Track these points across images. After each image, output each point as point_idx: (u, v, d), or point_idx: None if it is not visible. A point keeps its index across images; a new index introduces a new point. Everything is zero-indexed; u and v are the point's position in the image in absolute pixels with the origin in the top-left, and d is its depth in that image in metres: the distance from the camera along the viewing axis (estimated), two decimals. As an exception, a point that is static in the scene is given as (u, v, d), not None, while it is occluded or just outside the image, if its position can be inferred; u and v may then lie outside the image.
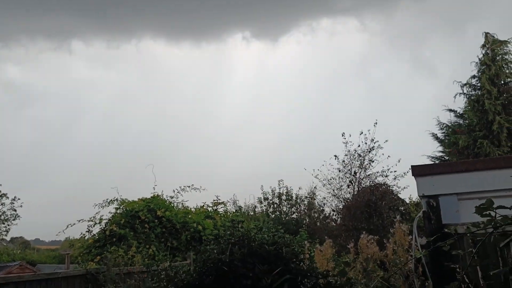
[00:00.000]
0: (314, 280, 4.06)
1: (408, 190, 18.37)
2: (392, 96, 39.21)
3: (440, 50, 39.98)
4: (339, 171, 17.78)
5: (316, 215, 23.36)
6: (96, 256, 10.84)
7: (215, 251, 4.47)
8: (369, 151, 17.74)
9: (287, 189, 23.83)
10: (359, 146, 17.62)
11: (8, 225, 26.47)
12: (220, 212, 13.12)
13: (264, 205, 23.59)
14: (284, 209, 23.70)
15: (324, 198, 21.12)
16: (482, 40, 18.21)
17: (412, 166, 5.73)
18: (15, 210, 26.64)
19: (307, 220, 23.54)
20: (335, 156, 17.72)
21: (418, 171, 5.56)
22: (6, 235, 27.71)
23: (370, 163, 17.76)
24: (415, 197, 20.39)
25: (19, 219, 26.81)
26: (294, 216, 23.65)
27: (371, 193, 16.98)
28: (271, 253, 4.25)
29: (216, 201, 13.17)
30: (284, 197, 23.72)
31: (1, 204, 26.37)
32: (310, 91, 43.86)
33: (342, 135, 17.66)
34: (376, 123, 17.46)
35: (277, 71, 49.72)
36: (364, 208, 16.75)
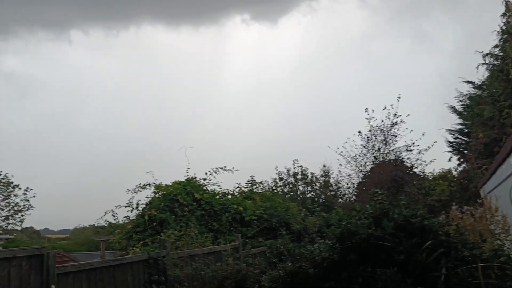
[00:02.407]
0: (467, 252, 3.76)
1: (432, 164, 18.28)
2: (395, 71, 38.95)
3: (441, 23, 39.59)
4: (364, 147, 17.53)
5: (333, 193, 23.24)
6: (139, 242, 10.50)
7: (351, 226, 4.13)
8: (392, 126, 17.51)
9: (301, 168, 23.64)
10: (382, 121, 17.38)
11: (22, 215, 26.03)
12: (259, 192, 12.83)
13: (280, 185, 23.38)
14: (300, 188, 23.53)
15: (340, 173, 20.89)
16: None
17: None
18: (28, 201, 26.21)
19: (323, 198, 23.40)
20: (359, 132, 17.48)
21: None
22: (20, 226, 27.28)
23: (393, 138, 17.54)
24: (438, 170, 20.31)
25: (32, 209, 26.39)
26: (310, 195, 23.50)
27: (397, 169, 16.77)
28: (416, 226, 3.93)
29: (252, 181, 12.89)
30: (299, 177, 23.53)
31: (14, 195, 25.89)
32: (312, 70, 43.49)
33: (365, 111, 17.39)
34: (400, 97, 17.19)
35: (278, 52, 49.19)
36: (390, 184, 16.56)
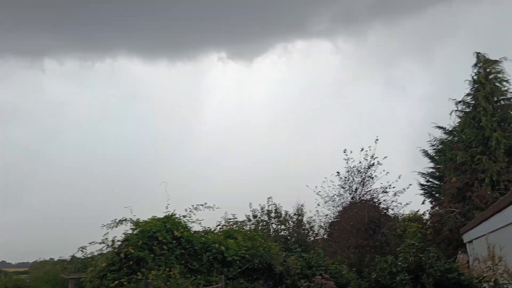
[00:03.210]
0: None
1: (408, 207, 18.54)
2: (369, 114, 39.91)
3: (410, 70, 41.13)
4: (342, 187, 17.62)
5: (305, 232, 23.05)
6: (113, 281, 9.96)
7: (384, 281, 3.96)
8: (369, 167, 17.72)
9: (275, 206, 23.41)
10: (360, 162, 17.59)
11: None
12: (241, 231, 12.53)
13: (253, 223, 23.03)
14: (274, 226, 23.24)
15: (315, 215, 20.89)
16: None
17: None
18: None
19: (296, 236, 23.17)
20: (337, 172, 17.58)
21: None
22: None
23: (370, 179, 17.72)
24: (408, 211, 20.54)
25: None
26: (283, 233, 23.22)
27: (374, 210, 16.88)
28: (453, 281, 3.80)
29: (233, 219, 12.60)
30: (273, 214, 23.28)
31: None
32: (287, 111, 44.01)
33: (344, 152, 17.57)
34: (377, 139, 17.49)
35: (254, 92, 49.70)
36: (367, 225, 16.60)
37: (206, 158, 41.78)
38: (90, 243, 10.90)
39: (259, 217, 23.17)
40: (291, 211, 23.38)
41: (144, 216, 11.74)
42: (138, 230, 11.15)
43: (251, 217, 23.07)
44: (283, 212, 23.34)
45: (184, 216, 12.24)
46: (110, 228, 11.58)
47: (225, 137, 44.59)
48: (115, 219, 11.75)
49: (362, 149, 17.46)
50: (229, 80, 52.54)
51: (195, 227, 12.17)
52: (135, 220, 11.43)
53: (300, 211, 23.49)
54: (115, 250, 10.86)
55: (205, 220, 12.20)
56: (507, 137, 16.87)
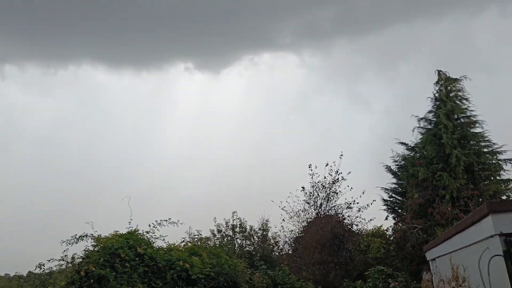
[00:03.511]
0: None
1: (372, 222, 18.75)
2: (334, 128, 40.42)
3: (373, 86, 42.05)
4: (307, 203, 17.66)
5: (271, 247, 22.97)
6: (72, 302, 9.57)
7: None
8: (334, 183, 17.84)
9: (240, 220, 23.29)
10: (325, 178, 17.69)
11: None
12: (207, 248, 12.30)
13: (218, 238, 22.81)
14: (238, 241, 23.07)
15: (280, 230, 20.88)
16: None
17: (487, 202, 5.54)
18: None
19: (261, 252, 23.06)
20: (303, 187, 17.62)
21: (493, 207, 5.37)
22: None
23: (335, 195, 17.84)
24: (372, 226, 20.77)
25: None
26: (248, 249, 23.07)
27: (339, 225, 16.96)
28: None
29: (197, 235, 12.37)
30: (237, 229, 23.13)
31: None
32: (253, 123, 43.97)
33: (309, 167, 17.64)
34: (342, 155, 17.66)
35: (221, 103, 49.45)
36: (332, 241, 16.66)
37: (170, 171, 41.20)
38: (49, 260, 10.48)
39: (224, 232, 22.99)
40: (256, 226, 23.31)
41: (106, 232, 11.41)
42: (99, 246, 10.80)
43: (215, 232, 22.88)
44: (248, 227, 23.24)
45: (147, 232, 11.95)
46: (70, 244, 11.20)
47: (190, 149, 44.12)
48: (75, 234, 11.38)
49: (327, 164, 17.61)
50: (196, 91, 52.25)
51: (159, 244, 11.93)
52: (97, 236, 11.08)
53: (265, 226, 23.44)
54: (75, 268, 10.47)
55: (169, 236, 11.95)
56: (466, 155, 17.30)
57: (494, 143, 18.15)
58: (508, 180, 18.04)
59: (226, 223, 22.90)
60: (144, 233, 11.83)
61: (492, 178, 18.03)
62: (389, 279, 13.78)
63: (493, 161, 17.95)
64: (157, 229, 12.02)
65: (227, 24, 39.50)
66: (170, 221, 12.09)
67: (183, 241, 12.54)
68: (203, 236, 13.08)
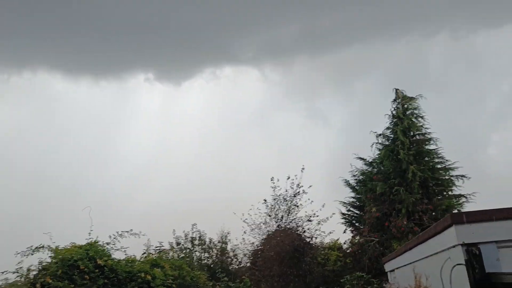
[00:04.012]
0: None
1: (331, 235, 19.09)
2: (291, 143, 40.87)
3: (330, 102, 42.94)
4: (268, 215, 17.75)
5: (229, 260, 22.85)
6: (27, 316, 9.19)
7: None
8: (295, 196, 18.06)
9: (200, 233, 23.07)
10: (286, 191, 17.87)
11: None
12: (169, 259, 12.11)
13: (176, 250, 22.46)
14: (197, 254, 22.82)
15: (241, 243, 20.85)
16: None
17: (450, 214, 5.81)
18: None
19: (219, 264, 22.91)
20: (265, 200, 17.71)
21: (456, 219, 5.65)
22: None
23: (296, 208, 18.03)
24: (330, 239, 21.09)
25: None
26: (206, 261, 22.86)
27: (299, 238, 17.14)
28: None
29: (159, 247, 12.17)
30: (196, 242, 22.90)
31: None
32: (214, 135, 43.73)
33: (271, 180, 17.79)
34: (303, 168, 17.91)
35: (181, 114, 48.86)
36: (292, 253, 16.79)
37: (129, 181, 40.30)
38: (2, 272, 10.03)
39: (182, 245, 22.69)
40: (216, 238, 23.16)
41: (64, 242, 11.09)
42: (57, 258, 10.46)
43: (174, 245, 22.53)
44: (207, 240, 23.05)
45: (108, 243, 11.70)
46: (25, 255, 10.79)
47: (150, 160, 43.32)
48: (31, 246, 10.98)
49: (289, 177, 17.82)
50: (156, 102, 51.46)
51: (120, 255, 11.69)
52: (54, 247, 10.73)
53: (224, 239, 23.32)
54: (31, 281, 10.08)
55: (130, 248, 11.74)
56: (422, 170, 17.96)
57: (447, 160, 18.96)
58: (460, 195, 18.81)
59: (186, 235, 22.63)
60: (105, 244, 11.57)
61: (444, 193, 18.80)
62: (368, 286, 14.09)
63: (446, 177, 18.72)
64: (118, 241, 11.80)
65: (190, 36, 39.35)
66: (132, 232, 11.89)
67: (145, 252, 12.33)
68: (164, 248, 12.87)
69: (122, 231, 11.81)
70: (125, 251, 11.62)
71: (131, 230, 11.84)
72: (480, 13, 36.84)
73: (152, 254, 12.29)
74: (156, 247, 12.55)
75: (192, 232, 22.85)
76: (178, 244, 22.52)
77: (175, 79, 49.86)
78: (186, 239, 22.70)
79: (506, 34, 39.95)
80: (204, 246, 22.88)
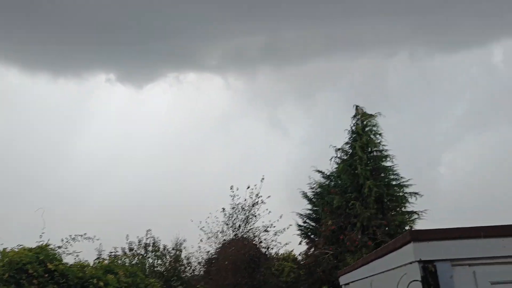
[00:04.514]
0: None
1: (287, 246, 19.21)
2: (252, 152, 41.01)
3: (292, 113, 43.47)
4: (226, 224, 17.68)
5: (183, 268, 22.58)
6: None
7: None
8: (253, 205, 18.09)
9: (154, 239, 22.70)
10: (245, 200, 17.88)
11: None
12: (124, 265, 11.80)
13: (129, 256, 21.98)
14: (150, 261, 22.42)
15: (197, 251, 20.67)
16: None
17: (410, 230, 5.97)
18: None
19: (172, 272, 22.59)
20: (223, 208, 17.64)
21: (415, 236, 5.81)
22: None
23: (253, 217, 18.06)
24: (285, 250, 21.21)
25: None
26: (159, 269, 22.49)
27: (255, 248, 17.15)
28: None
29: (113, 252, 11.84)
30: (150, 248, 22.51)
31: None
32: (175, 141, 43.23)
33: (230, 188, 17.76)
34: (263, 178, 17.99)
35: (142, 118, 47.99)
36: (247, 264, 16.77)
37: (85, 183, 39.10)
38: None
39: (136, 250, 22.25)
40: (170, 245, 22.86)
41: (13, 245, 10.61)
42: (4, 260, 9.99)
43: (126, 250, 22.05)
44: (161, 246, 22.71)
45: (59, 247, 11.30)
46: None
47: (107, 163, 42.28)
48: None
49: (248, 187, 17.85)
50: (117, 104, 50.32)
51: (72, 260, 11.30)
52: (2, 249, 10.26)
53: (179, 246, 23.05)
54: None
55: (83, 252, 11.38)
56: (377, 186, 18.38)
57: (401, 177, 19.50)
58: (412, 212, 19.38)
59: (139, 241, 22.21)
60: (56, 248, 11.16)
61: (398, 209, 19.32)
62: None
63: (400, 193, 19.26)
64: (71, 245, 11.42)
65: (154, 39, 38.90)
66: (85, 236, 11.55)
67: (98, 257, 11.99)
68: (119, 253, 12.56)
69: (75, 235, 11.46)
70: (77, 255, 11.26)
71: (85, 234, 11.52)
72: (438, 38, 38.50)
73: (106, 260, 11.99)
74: (110, 252, 12.26)
75: (146, 238, 22.47)
76: (131, 249, 22.06)
77: (137, 81, 49.03)
78: (139, 245, 22.28)
79: (460, 60, 42.00)
80: (157, 253, 22.51)
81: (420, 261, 5.66)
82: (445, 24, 36.60)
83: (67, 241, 11.37)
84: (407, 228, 18.71)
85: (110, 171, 41.51)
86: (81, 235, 11.44)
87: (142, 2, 35.00)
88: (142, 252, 22.31)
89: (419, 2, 33.94)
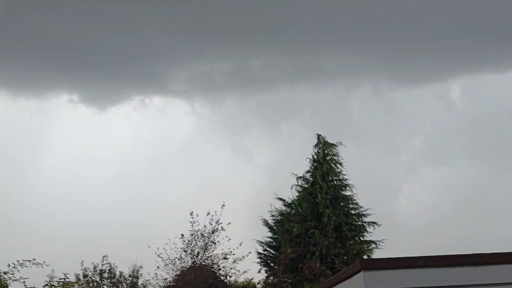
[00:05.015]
0: None
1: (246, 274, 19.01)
2: (214, 179, 40.83)
3: (257, 141, 43.76)
4: (184, 251, 17.38)
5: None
6: None
7: None
8: (213, 232, 17.91)
9: (110, 266, 22.06)
10: (205, 226, 17.69)
11: None
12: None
13: (83, 283, 21.23)
14: (105, 288, 21.74)
15: (153, 278, 20.18)
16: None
17: (360, 260, 6.07)
18: None
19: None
20: (182, 235, 17.38)
21: (365, 264, 5.90)
22: None
23: (213, 244, 17.85)
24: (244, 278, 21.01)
25: None
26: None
27: (213, 276, 16.93)
28: None
29: (64, 279, 11.37)
30: (106, 275, 21.84)
31: None
32: (138, 165, 42.57)
33: (190, 214, 17.56)
34: (224, 205, 17.89)
35: (105, 141, 47.07)
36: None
37: (40, 206, 37.74)
38: None
39: (90, 277, 21.53)
40: (127, 272, 22.27)
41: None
42: None
43: (81, 277, 21.31)
44: (117, 273, 22.08)
45: (5, 273, 10.82)
46: None
47: (65, 188, 41.06)
48: None
49: (209, 213, 17.69)
50: (79, 126, 49.28)
51: (20, 286, 10.83)
52: None
53: (135, 273, 22.48)
54: None
55: (33, 279, 10.93)
56: (337, 215, 18.57)
57: (360, 206, 19.78)
58: (370, 241, 19.62)
59: (94, 267, 21.53)
60: (2, 274, 10.69)
61: (357, 238, 19.54)
62: None
63: (359, 222, 19.50)
64: (18, 270, 10.95)
65: (120, 61, 38.68)
66: (34, 262, 11.10)
67: (47, 284, 11.54)
68: (69, 280, 12.09)
69: (23, 260, 11.01)
70: (24, 282, 10.79)
71: (34, 259, 11.08)
72: (399, 72, 39.98)
73: (55, 287, 11.53)
74: (60, 279, 11.79)
75: (102, 264, 21.81)
76: (85, 276, 21.34)
77: (101, 103, 48.36)
78: (94, 271, 21.59)
79: (420, 94, 43.59)
80: (113, 280, 21.86)
81: (369, 291, 5.73)
82: (406, 59, 38.15)
83: (14, 267, 10.91)
84: (365, 257, 18.90)
85: (69, 194, 40.36)
86: (30, 261, 11.00)
87: (107, 23, 34.93)
88: (97, 279, 21.61)
89: (382, 36, 35.31)
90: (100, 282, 21.44)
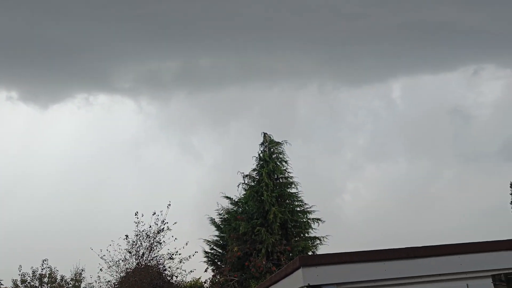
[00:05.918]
0: None
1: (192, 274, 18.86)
2: (163, 177, 40.33)
3: (205, 139, 43.63)
4: (129, 252, 16.99)
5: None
6: None
7: None
8: (159, 232, 17.65)
9: (51, 270, 21.25)
10: (150, 227, 17.40)
11: None
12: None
13: (21, 289, 20.37)
14: (45, 293, 20.93)
15: (96, 281, 19.61)
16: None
17: (299, 256, 6.18)
18: None
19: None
20: (126, 236, 16.98)
21: (304, 261, 6.03)
22: None
23: (158, 245, 17.59)
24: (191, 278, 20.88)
25: None
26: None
27: (158, 277, 16.70)
28: None
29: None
30: (46, 279, 21.02)
31: None
32: (82, 165, 41.23)
33: (135, 215, 17.20)
34: (170, 204, 17.67)
35: (47, 140, 45.24)
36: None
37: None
38: None
39: (29, 282, 20.66)
40: (69, 275, 21.54)
41: None
42: None
43: (18, 283, 20.40)
44: (58, 277, 21.31)
45: None
46: None
47: (4, 185, 39.13)
48: None
49: (154, 213, 17.41)
50: (18, 124, 47.14)
51: None
52: None
53: (78, 276, 21.79)
54: None
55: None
56: (282, 212, 18.82)
57: (305, 203, 20.15)
58: (315, 238, 20.01)
59: (33, 272, 20.65)
60: None
61: (302, 235, 19.88)
62: None
63: (304, 219, 19.85)
64: None
65: (62, 57, 37.28)
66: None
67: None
68: (6, 287, 11.51)
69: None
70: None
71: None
72: (344, 73, 41.05)
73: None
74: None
75: (42, 269, 20.99)
76: (23, 281, 20.46)
77: (42, 101, 46.43)
78: (34, 276, 20.73)
79: (363, 94, 45.03)
80: (54, 284, 21.09)
81: (308, 286, 5.88)
82: (350, 59, 39.21)
83: None
84: (310, 253, 19.27)
85: (9, 192, 38.56)
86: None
87: (49, 17, 33.58)
88: (37, 284, 20.78)
89: (326, 38, 36.11)
90: (39, 287, 20.62)
